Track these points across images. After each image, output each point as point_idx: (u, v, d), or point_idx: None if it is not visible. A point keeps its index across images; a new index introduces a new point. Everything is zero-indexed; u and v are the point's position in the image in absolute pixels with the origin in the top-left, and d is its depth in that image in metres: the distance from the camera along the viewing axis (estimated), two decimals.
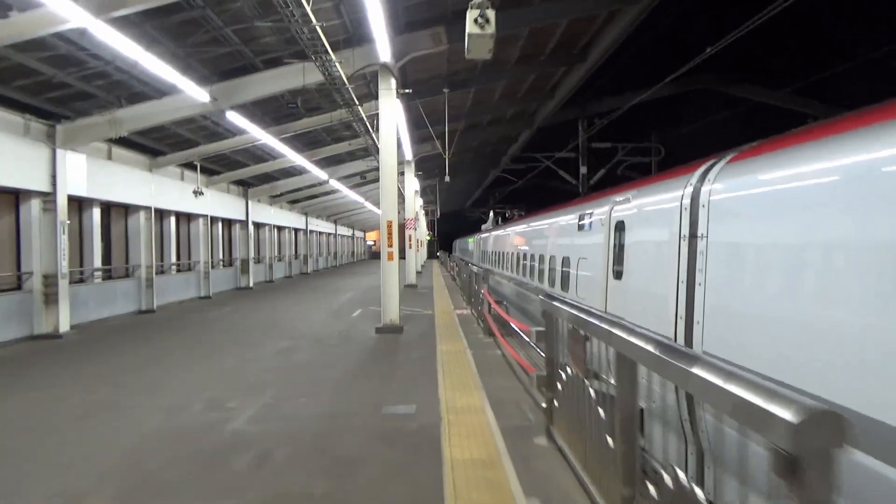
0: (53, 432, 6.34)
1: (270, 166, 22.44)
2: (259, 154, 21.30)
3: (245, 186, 26.05)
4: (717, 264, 4.99)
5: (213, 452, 5.56)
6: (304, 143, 21.03)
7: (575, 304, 4.74)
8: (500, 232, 26.49)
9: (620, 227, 7.63)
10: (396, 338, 12.13)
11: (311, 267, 40.32)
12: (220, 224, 24.30)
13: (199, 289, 21.50)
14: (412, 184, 26.97)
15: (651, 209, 6.72)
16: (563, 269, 11.17)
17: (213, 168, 21.51)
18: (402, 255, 27.15)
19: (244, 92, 12.97)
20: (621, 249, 7.53)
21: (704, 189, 5.29)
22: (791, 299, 4.02)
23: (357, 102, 15.34)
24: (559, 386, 5.17)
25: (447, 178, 20.23)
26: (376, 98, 14.07)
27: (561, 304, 5.03)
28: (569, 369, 4.86)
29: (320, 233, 45.51)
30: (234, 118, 14.27)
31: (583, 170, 26.60)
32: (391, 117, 12.93)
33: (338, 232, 53.00)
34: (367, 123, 17.16)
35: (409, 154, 25.17)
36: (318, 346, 11.41)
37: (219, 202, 23.10)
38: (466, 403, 7.04)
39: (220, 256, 24.41)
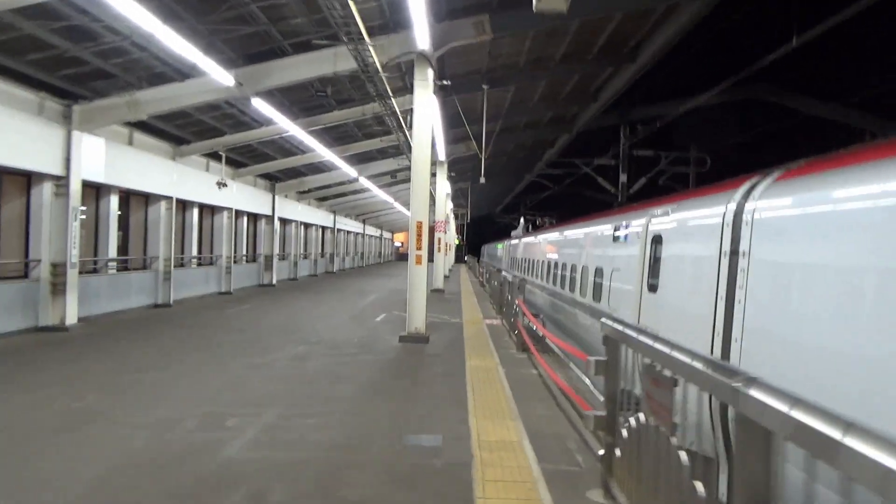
0: (15, 449, 5.45)
1: (298, 160, 21.68)
2: (287, 147, 20.56)
3: (272, 181, 25.38)
4: (758, 282, 4.90)
5: (195, 489, 4.61)
6: (334, 137, 20.23)
7: (659, 336, 3.70)
8: (531, 239, 26.00)
9: (657, 240, 7.55)
10: (421, 349, 11.14)
11: (336, 266, 39.63)
12: (244, 218, 23.63)
13: (219, 284, 20.81)
14: (444, 186, 26.02)
15: (691, 224, 6.66)
16: (596, 279, 10.96)
17: (239, 160, 20.82)
18: (431, 258, 26.22)
19: (271, 77, 12.14)
20: (657, 262, 7.42)
21: (749, 206, 5.21)
22: (832, 323, 3.98)
23: (391, 95, 14.45)
24: (623, 432, 4.22)
25: (482, 180, 19.20)
26: (411, 92, 13.10)
27: (635, 332, 4.00)
28: (641, 416, 3.89)
29: (348, 232, 44.85)
30: (261, 106, 13.45)
31: (622, 178, 25.37)
32: (426, 111, 11.97)
33: (366, 232, 52.35)
34: (401, 118, 16.26)
35: (442, 154, 24.22)
36: (335, 353, 10.47)
37: (244, 195, 22.42)
38: (502, 437, 6.01)
39: (244, 252, 23.73)
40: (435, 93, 13.17)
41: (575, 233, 14.44)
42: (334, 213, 38.12)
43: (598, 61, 16.42)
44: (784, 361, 4.39)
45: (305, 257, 34.04)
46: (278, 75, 12.15)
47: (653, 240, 7.70)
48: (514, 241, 33.54)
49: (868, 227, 3.80)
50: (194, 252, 19.22)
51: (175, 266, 17.48)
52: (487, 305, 20.14)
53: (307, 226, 33.91)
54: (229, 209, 21.03)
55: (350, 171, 24.25)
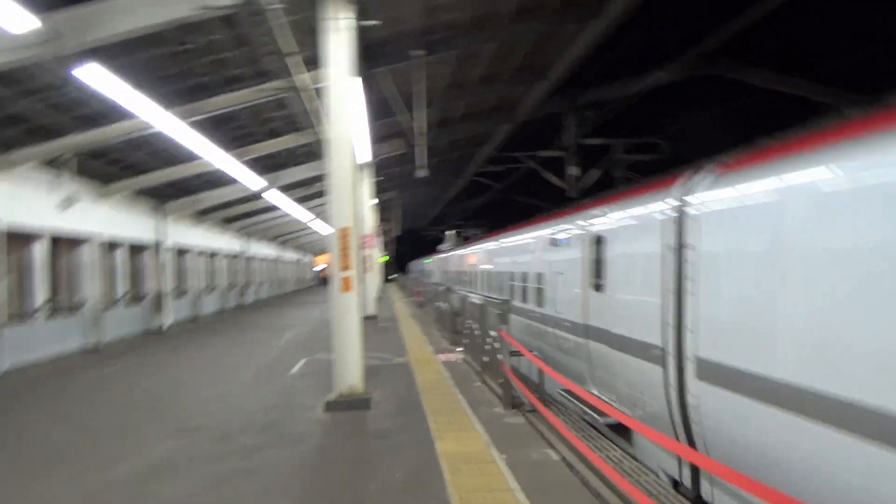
0: None
1: (186, 170, 17.24)
2: (169, 152, 16.13)
3: (159, 200, 20.73)
4: (707, 274, 5.06)
5: None
6: (230, 137, 16.00)
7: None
8: (463, 251, 24.66)
9: (599, 240, 7.66)
10: (360, 422, 7.24)
11: (251, 298, 34.79)
12: (120, 249, 18.89)
13: (84, 337, 15.97)
14: (369, 194, 22.14)
15: (632, 222, 6.83)
16: (537, 285, 10.97)
17: (105, 170, 16.18)
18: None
19: (102, 24, 8.01)
20: (601, 262, 7.54)
21: (691, 200, 5.35)
22: (776, 303, 4.27)
23: (296, 54, 10.60)
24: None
25: (421, 172, 15.48)
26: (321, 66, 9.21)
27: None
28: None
29: (262, 258, 40.03)
30: (94, 76, 9.17)
31: (572, 170, 22.29)
32: (342, 63, 8.14)
33: (284, 257, 47.49)
34: (312, 97, 12.34)
35: (366, 155, 20.40)
36: (222, 453, 6.36)
37: (118, 219, 17.74)
38: None
39: (122, 291, 18.94)
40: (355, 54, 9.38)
41: (512, 240, 14.11)
42: (245, 237, 33.39)
43: (560, 15, 13.05)
44: (739, 347, 4.58)
45: (212, 291, 29.20)
46: (112, 23, 8.03)
47: (594, 240, 7.83)
48: (444, 255, 32.57)
49: (801, 215, 4.10)
50: (39, 299, 14.33)
51: (12, 320, 12.78)
52: (433, 331, 16.38)
53: (212, 254, 29.12)
54: (94, 239, 16.33)
55: (255, 181, 19.95)
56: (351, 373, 8.02)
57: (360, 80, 11.11)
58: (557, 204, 17.40)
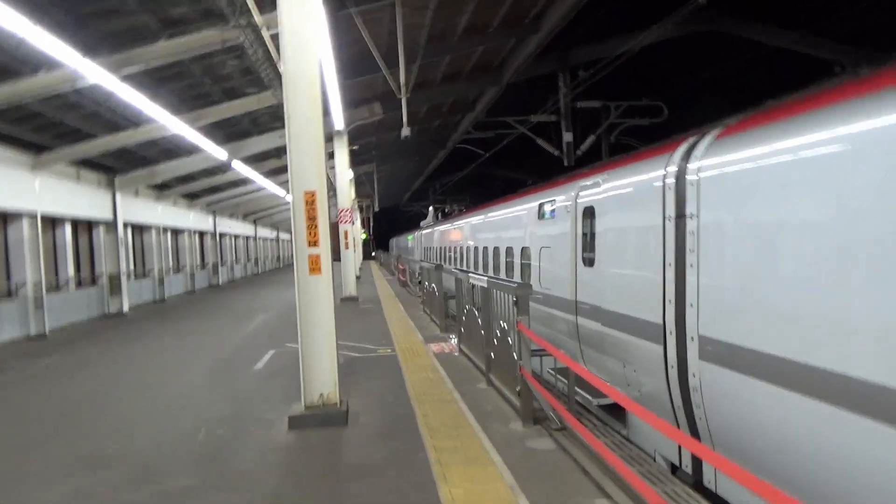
0: None
1: (133, 137, 15.11)
2: (111, 117, 14.03)
3: (108, 173, 18.58)
4: (711, 245, 4.78)
5: None
6: (180, 97, 13.94)
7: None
8: (446, 226, 23.72)
9: (589, 212, 7.37)
10: (333, 448, 5.49)
11: (223, 278, 32.72)
12: (67, 226, 16.80)
13: (24, 325, 14.01)
14: (345, 163, 20.18)
15: (626, 192, 6.48)
16: (523, 260, 10.65)
17: (34, 137, 14.04)
18: (337, 257, 20.44)
19: None
20: (591, 235, 7.27)
21: (692, 167, 5.07)
22: (785, 277, 3.98)
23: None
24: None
25: (405, 132, 13.54)
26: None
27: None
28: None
29: (235, 236, 37.87)
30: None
31: (567, 136, 20.52)
32: None
33: (258, 234, 45.30)
34: (269, 48, 10.38)
35: (339, 121, 18.45)
36: None
37: (59, 193, 15.64)
38: None
39: (70, 273, 16.90)
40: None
41: (495, 214, 13.72)
42: (214, 213, 31.22)
43: None
44: (745, 325, 4.29)
45: (179, 271, 27.14)
46: None
47: (584, 212, 7.52)
48: (426, 231, 31.49)
49: (815, 179, 3.76)
50: None
51: None
52: (420, 314, 14.66)
53: (176, 231, 26.99)
54: (33, 214, 14.26)
55: (217, 151, 17.90)
56: (322, 378, 6.25)
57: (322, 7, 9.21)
58: (543, 177, 15.73)
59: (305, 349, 6.24)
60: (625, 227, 6.49)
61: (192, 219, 27.81)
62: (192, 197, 27.15)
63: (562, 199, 8.46)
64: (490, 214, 14.66)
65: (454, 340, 10.47)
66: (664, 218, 5.41)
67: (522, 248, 10.64)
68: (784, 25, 21.17)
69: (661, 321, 5.38)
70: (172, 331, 14.83)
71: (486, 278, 7.10)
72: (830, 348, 3.58)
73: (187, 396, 7.85)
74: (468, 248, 17.85)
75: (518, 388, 5.83)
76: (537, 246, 9.63)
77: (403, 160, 35.88)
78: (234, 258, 37.48)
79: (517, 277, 10.89)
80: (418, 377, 8.09)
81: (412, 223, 56.00)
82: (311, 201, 6.21)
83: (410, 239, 41.69)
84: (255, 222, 43.12)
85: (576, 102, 20.44)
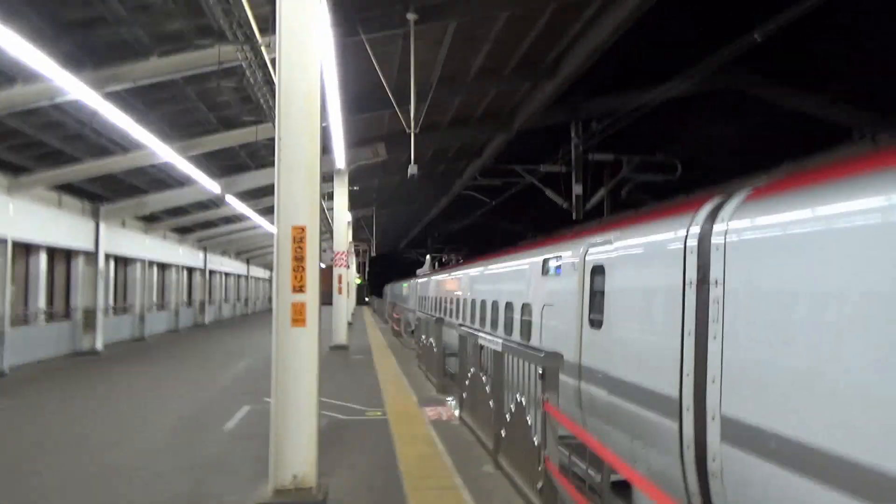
0: None
1: (120, 164, 14.20)
2: (97, 140, 13.11)
3: (95, 201, 17.60)
4: (738, 315, 4.37)
5: None
6: (172, 123, 13.07)
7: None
8: (443, 276, 22.81)
9: (599, 271, 6.99)
10: None
11: (210, 317, 31.41)
12: (42, 255, 15.71)
13: None
14: (343, 205, 19.26)
15: (642, 252, 6.15)
16: (523, 317, 10.10)
17: (17, 162, 13.08)
18: (328, 301, 19.33)
19: None
20: (601, 296, 6.83)
21: (718, 228, 4.72)
22: (829, 356, 3.59)
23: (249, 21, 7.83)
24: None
25: (412, 170, 12.62)
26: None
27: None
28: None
29: (226, 274, 36.75)
30: None
31: (577, 189, 19.71)
32: None
33: (251, 273, 44.17)
34: (270, 70, 9.52)
35: (340, 160, 17.62)
36: None
37: (35, 219, 14.60)
38: None
39: (41, 305, 15.71)
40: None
41: (496, 267, 13.43)
42: (205, 249, 30.17)
43: None
44: (777, 407, 3.90)
45: (162, 308, 25.90)
46: None
47: (593, 271, 7.16)
48: (421, 280, 30.45)
49: (859, 248, 3.49)
50: None
51: None
52: (414, 370, 13.47)
53: (163, 266, 25.89)
54: (2, 239, 13.17)
55: (210, 184, 16.99)
56: (298, 456, 5.09)
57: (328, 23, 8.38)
58: (543, 231, 14.82)
59: (280, 419, 5.11)
60: (639, 289, 6.10)
61: (181, 254, 26.74)
62: (182, 231, 26.16)
63: (569, 255, 8.08)
64: (490, 267, 14.16)
65: (453, 405, 9.29)
66: (684, 282, 5.01)
67: (523, 305, 10.16)
68: (801, 87, 20.69)
69: (676, 395, 4.91)
70: (144, 374, 13.57)
71: (499, 340, 6.00)
72: (885, 443, 3.09)
73: (139, 463, 6.62)
74: (465, 300, 17.08)
75: (539, 485, 4.67)
76: (539, 303, 9.17)
77: (404, 205, 35.12)
78: (223, 297, 36.27)
79: (516, 335, 10.37)
80: (413, 452, 6.90)
81: (409, 270, 54.99)
82: (299, 238, 5.18)
83: (406, 287, 40.70)
84: (248, 261, 42.06)
85: (587, 154, 19.71)
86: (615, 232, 6.83)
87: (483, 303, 14.06)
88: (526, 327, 9.76)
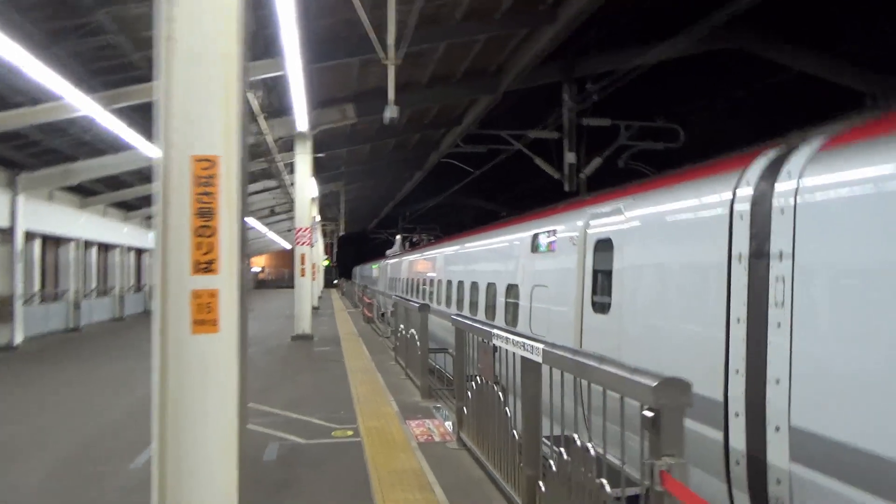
0: None
1: (28, 117, 11.58)
2: None
3: (11, 169, 14.90)
4: (816, 297, 3.57)
5: None
6: (87, 66, 10.55)
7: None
8: (416, 256, 21.85)
9: (604, 245, 6.24)
10: None
11: None
12: None
13: None
14: (307, 173, 16.87)
15: (668, 220, 5.26)
16: (508, 299, 9.27)
17: None
18: (289, 284, 17.02)
19: None
20: (606, 275, 6.10)
21: (784, 188, 3.88)
22: None
23: None
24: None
25: (390, 113, 10.25)
26: None
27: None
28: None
29: None
30: None
31: (570, 157, 17.62)
32: None
33: None
34: None
35: (303, 121, 15.28)
36: None
37: None
38: None
39: None
40: None
41: (475, 244, 12.68)
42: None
43: None
44: (884, 415, 3.09)
45: (105, 293, 23.23)
46: None
47: (596, 246, 6.45)
48: (392, 261, 29.35)
49: None
50: None
51: None
52: (390, 363, 11.34)
53: (105, 247, 23.17)
54: None
55: (150, 149, 14.42)
56: None
57: None
58: (519, 209, 12.97)
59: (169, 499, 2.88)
60: (662, 266, 5.28)
61: (126, 233, 24.01)
62: (127, 207, 23.41)
63: (565, 228, 7.31)
64: (469, 245, 13.19)
65: (445, 415, 7.17)
66: (730, 256, 4.29)
67: (508, 286, 9.36)
68: (812, 48, 18.86)
69: (719, 397, 4.18)
70: (61, 376, 11.15)
71: (539, 344, 3.83)
72: None
73: None
74: (440, 281, 15.69)
75: None
76: (528, 284, 8.42)
77: (375, 180, 32.68)
78: None
79: (499, 319, 9.55)
80: (399, 500, 4.75)
81: (379, 251, 52.71)
82: (206, 177, 2.95)
83: (375, 268, 38.57)
84: None
85: (581, 119, 17.62)
86: (627, 199, 5.98)
87: (461, 284, 13.04)
88: (512, 311, 9.09)
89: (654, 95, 21.28)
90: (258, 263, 75.84)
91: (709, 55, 19.30)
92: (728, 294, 4.25)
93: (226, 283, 2.93)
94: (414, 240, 42.29)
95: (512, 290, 9.23)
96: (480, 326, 5.34)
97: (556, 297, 7.42)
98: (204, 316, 2.90)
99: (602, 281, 6.35)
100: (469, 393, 5.81)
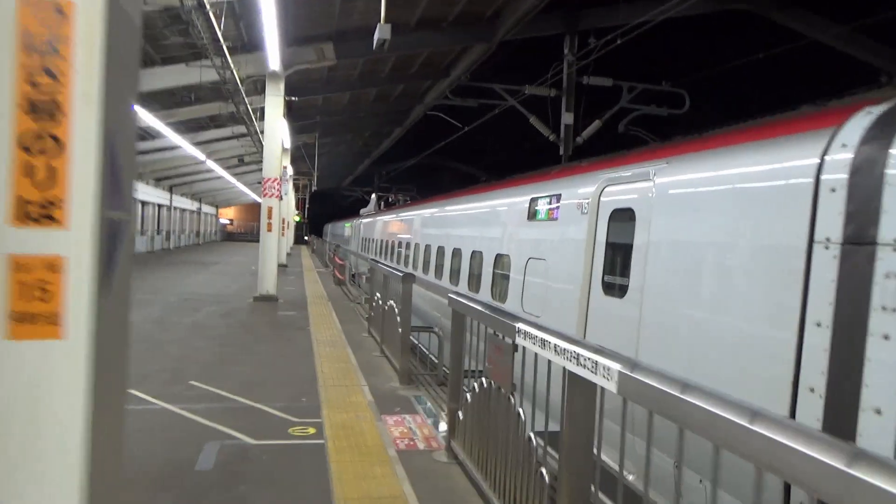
0: None
1: None
2: None
3: None
4: None
5: None
6: None
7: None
8: (393, 216, 20.46)
9: (623, 215, 5.42)
10: None
11: None
12: None
13: None
14: (277, 117, 15.19)
15: (720, 190, 4.37)
16: (497, 271, 8.53)
17: None
18: (255, 238, 15.52)
19: None
20: (624, 251, 5.26)
21: None
22: None
23: None
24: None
25: (382, 36, 8.58)
26: None
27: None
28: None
29: (143, 202, 32.00)
30: None
31: (567, 117, 16.26)
32: None
33: (174, 204, 39.26)
34: None
35: (273, 59, 13.62)
36: None
37: None
38: None
39: None
40: None
41: (461, 207, 11.65)
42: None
43: None
44: None
45: None
46: None
47: (613, 216, 5.60)
48: (367, 220, 28.15)
49: None
50: None
51: None
52: (362, 335, 10.04)
53: None
54: None
55: None
56: None
57: None
58: (501, 175, 11.79)
59: None
60: (706, 245, 4.36)
61: None
62: None
63: (573, 194, 6.48)
64: (453, 207, 12.22)
65: (434, 422, 5.89)
66: (811, 241, 3.39)
67: (497, 256, 8.63)
68: (831, 17, 17.62)
69: (787, 412, 3.31)
70: None
71: (614, 365, 2.48)
72: None
73: None
74: (418, 245, 14.61)
75: None
76: (522, 256, 7.64)
77: (352, 134, 30.93)
78: (139, 228, 31.74)
79: (484, 292, 8.81)
80: None
81: (353, 209, 51.05)
82: (49, 39, 1.50)
83: (348, 227, 37.09)
84: (171, 189, 37.15)
85: (582, 77, 16.21)
86: (658, 163, 5.08)
87: (441, 250, 12.13)
88: (500, 285, 8.30)
89: (661, 57, 19.91)
90: (227, 215, 73.60)
91: (720, 16, 17.97)
92: (805, 289, 3.44)
93: (80, 245, 1.53)
94: (390, 199, 40.75)
95: (501, 260, 8.45)
96: (494, 314, 3.98)
97: (555, 274, 6.65)
98: (34, 306, 1.51)
99: (617, 258, 5.54)
100: (468, 395, 4.51)
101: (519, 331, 3.41)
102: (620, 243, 5.50)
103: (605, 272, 5.66)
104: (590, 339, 5.55)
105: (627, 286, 5.19)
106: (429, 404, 6.37)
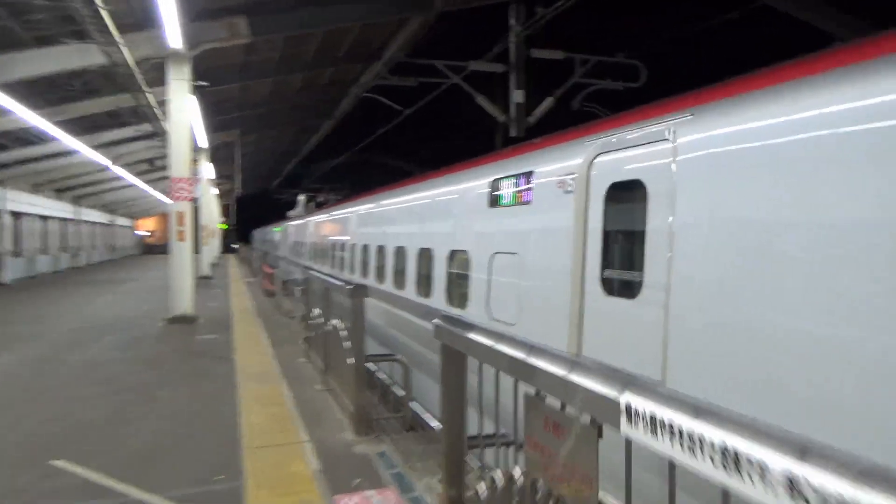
0: None
1: None
2: None
3: None
4: None
5: None
6: None
7: None
8: (324, 216, 18.73)
9: (628, 192, 4.28)
10: None
11: (13, 273, 23.60)
12: None
13: None
14: (182, 108, 12.85)
15: (773, 145, 3.23)
16: (452, 270, 7.38)
17: None
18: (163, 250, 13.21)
19: None
20: (633, 238, 4.26)
21: None
22: None
23: None
24: None
25: None
26: None
27: None
28: None
29: (43, 217, 28.57)
30: None
31: (517, 95, 14.62)
32: None
33: (82, 217, 35.57)
34: None
35: (174, 35, 11.43)
36: None
37: None
38: None
39: None
40: None
41: (404, 199, 10.07)
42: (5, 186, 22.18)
43: None
44: None
45: None
46: None
47: (611, 192, 4.49)
48: (297, 221, 26.16)
49: None
50: None
51: None
52: (297, 359, 8.08)
53: None
54: None
55: None
56: None
57: None
58: (435, 167, 10.26)
59: None
60: (764, 225, 3.19)
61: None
62: None
63: (551, 170, 5.30)
64: (392, 200, 10.88)
65: (410, 497, 4.05)
66: None
67: (452, 253, 7.46)
68: None
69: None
70: None
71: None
72: None
73: None
74: (354, 245, 13.04)
75: None
76: (485, 250, 6.48)
77: (277, 131, 28.46)
78: (40, 246, 28.34)
79: (438, 297, 7.59)
80: None
81: (284, 213, 48.40)
82: None
83: (278, 231, 34.69)
84: (76, 200, 33.55)
85: (531, 51, 14.61)
86: (682, 115, 3.81)
87: (381, 249, 10.75)
88: (457, 288, 7.20)
89: (615, 27, 18.57)
90: (146, 227, 68.95)
91: None
92: None
93: None
94: (321, 200, 38.48)
95: (457, 258, 7.33)
96: (534, 359, 2.17)
97: (532, 270, 5.54)
98: None
99: (623, 247, 4.51)
100: (483, 484, 2.70)
101: (631, 411, 1.61)
102: (624, 228, 4.51)
103: (604, 266, 4.59)
104: (588, 350, 4.48)
105: (641, 283, 4.12)
106: (399, 469, 4.52)
